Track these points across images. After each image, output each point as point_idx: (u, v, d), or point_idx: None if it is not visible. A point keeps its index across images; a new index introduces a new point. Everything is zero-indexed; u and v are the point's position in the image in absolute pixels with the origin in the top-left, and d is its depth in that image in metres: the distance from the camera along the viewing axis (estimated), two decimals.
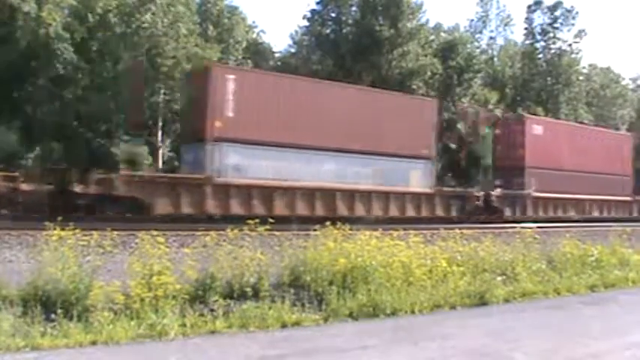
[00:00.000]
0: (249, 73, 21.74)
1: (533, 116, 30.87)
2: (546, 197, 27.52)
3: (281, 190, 19.84)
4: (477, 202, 25.24)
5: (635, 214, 32.24)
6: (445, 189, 24.69)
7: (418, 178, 23.37)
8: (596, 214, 29.70)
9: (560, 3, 42.86)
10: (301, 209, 20.08)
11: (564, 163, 28.35)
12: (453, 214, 24.12)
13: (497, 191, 26.33)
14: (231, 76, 19.52)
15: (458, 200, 24.80)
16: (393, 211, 22.11)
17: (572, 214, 28.52)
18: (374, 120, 22.14)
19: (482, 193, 25.66)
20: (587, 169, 29.27)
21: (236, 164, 19.15)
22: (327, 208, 20.52)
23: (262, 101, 19.79)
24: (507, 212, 26.13)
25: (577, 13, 43.31)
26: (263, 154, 19.56)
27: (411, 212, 22.77)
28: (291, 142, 20.09)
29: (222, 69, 20.46)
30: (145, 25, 26.54)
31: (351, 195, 21.51)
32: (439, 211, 23.81)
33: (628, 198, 32.37)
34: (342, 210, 20.83)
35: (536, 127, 27.95)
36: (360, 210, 21.50)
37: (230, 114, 19.08)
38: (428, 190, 23.59)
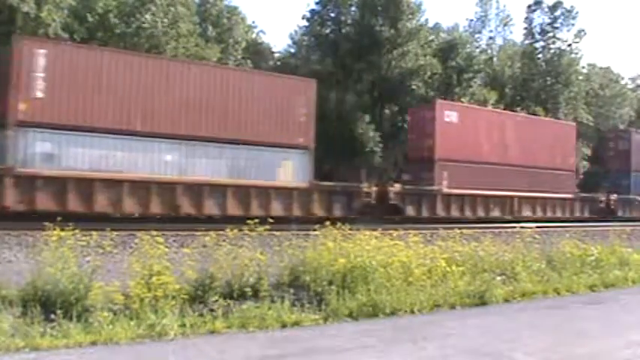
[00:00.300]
0: (65, 47, 18.04)
1: (447, 101, 26.49)
2: (461, 194, 23.86)
3: (103, 182, 16.72)
4: (366, 199, 21.60)
5: (578, 214, 28.29)
6: (326, 183, 21.20)
7: (290, 171, 19.95)
8: (527, 213, 25.82)
9: (561, 3, 42.82)
10: (130, 206, 17.07)
11: (487, 155, 24.92)
12: (336, 212, 20.08)
13: (396, 187, 22.77)
14: (42, 51, 16.39)
15: (342, 196, 21.11)
16: (256, 210, 18.28)
17: (496, 213, 24.85)
18: (232, 103, 19.03)
19: (374, 189, 22.00)
20: (517, 162, 25.82)
21: (47, 153, 16.30)
22: (167, 205, 17.58)
23: (83, 80, 16.77)
24: (409, 211, 22.53)
25: (577, 13, 43.29)
26: (82, 141, 16.70)
27: (278, 211, 18.99)
28: (120, 128, 17.14)
29: (30, 41, 16.97)
30: (146, 25, 26.55)
31: (198, 190, 18.07)
32: (317, 210, 20.06)
33: (569, 195, 28.28)
34: (188, 208, 17.85)
35: (450, 114, 24.08)
36: (210, 208, 18.24)
37: (39, 94, 16.15)
38: (302, 185, 19.96)
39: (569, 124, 31.83)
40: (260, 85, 20.00)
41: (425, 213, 22.87)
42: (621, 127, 40.95)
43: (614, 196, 30.25)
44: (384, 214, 21.35)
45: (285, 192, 19.66)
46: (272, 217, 13.52)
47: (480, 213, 24.47)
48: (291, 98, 20.32)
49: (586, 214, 28.51)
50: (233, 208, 18.44)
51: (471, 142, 24.59)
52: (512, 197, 25.60)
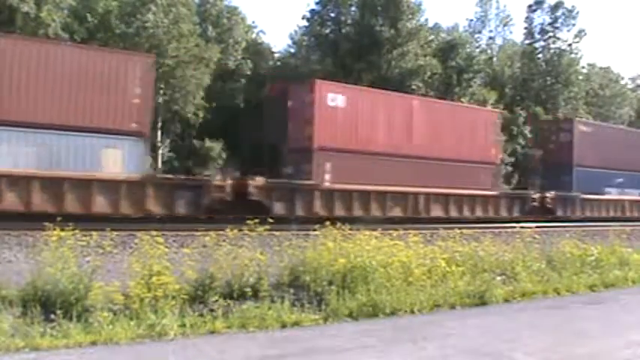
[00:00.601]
0: None
1: (331, 82, 22.87)
2: (349, 190, 20.56)
3: None
4: (218, 195, 18.37)
5: (505, 214, 25.03)
6: (165, 176, 18.56)
7: (119, 162, 17.14)
8: (438, 213, 22.68)
9: (562, 3, 42.83)
10: None
11: (384, 145, 21.67)
12: (180, 210, 17.70)
13: (258, 180, 18.94)
14: None
15: (187, 192, 18.04)
16: (72, 206, 15.86)
17: (396, 212, 21.45)
18: (39, 81, 16.15)
19: (229, 182, 18.67)
20: (424, 153, 22.59)
21: None
22: None
23: None
24: (278, 209, 19.13)
25: (577, 13, 43.30)
26: None
27: (102, 207, 16.47)
28: None
29: None
30: (148, 24, 26.55)
31: None
32: (153, 206, 17.34)
33: (492, 192, 24.82)
34: None
35: (334, 97, 20.61)
36: (11, 202, 15.51)
37: None
38: (133, 177, 17.16)
39: (490, 111, 27.63)
40: (78, 60, 16.89)
41: (299, 211, 19.42)
42: (621, 127, 40.36)
43: (550, 194, 26.99)
44: (245, 213, 16.09)
45: (111, 185, 16.81)
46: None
47: (375, 212, 21.06)
48: (120, 76, 17.35)
49: (516, 214, 25.25)
50: (41, 204, 15.67)
51: (364, 130, 21.28)
52: (416, 194, 22.25)
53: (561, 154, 29.23)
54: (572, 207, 27.91)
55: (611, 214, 29.37)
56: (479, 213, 24.08)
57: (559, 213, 27.08)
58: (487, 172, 24.98)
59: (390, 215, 20.93)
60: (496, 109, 28.56)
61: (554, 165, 29.39)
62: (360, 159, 20.86)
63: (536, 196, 26.65)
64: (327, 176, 20.24)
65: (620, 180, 30.63)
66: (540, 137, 31.66)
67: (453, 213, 23.30)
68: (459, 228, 12.68)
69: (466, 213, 23.68)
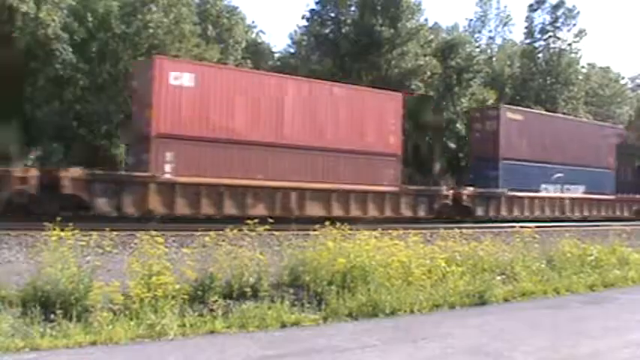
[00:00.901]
0: None
1: (177, 59, 20.41)
2: (196, 183, 17.45)
3: None
4: (18, 187, 15.30)
5: (409, 213, 21.65)
6: None
7: None
8: (318, 212, 19.00)
9: (563, 2, 42.86)
10: None
11: (247, 132, 18.41)
12: None
13: (73, 171, 16.08)
14: None
15: None
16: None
17: (261, 211, 17.37)
18: None
19: (34, 174, 15.65)
20: (300, 142, 19.36)
21: None
22: None
23: None
24: (102, 205, 16.20)
25: (578, 12, 43.32)
26: None
27: None
28: None
29: None
30: (151, 24, 26.54)
31: None
32: None
33: (391, 188, 21.40)
34: None
35: (178, 75, 17.47)
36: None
37: None
38: None
39: (390, 94, 23.02)
40: None
41: (129, 208, 16.61)
42: (621, 127, 40.02)
43: (467, 190, 23.59)
44: (57, 210, 13.81)
45: None
46: (272, 217, 13.20)
47: (231, 210, 17.88)
48: None
49: (422, 214, 22.04)
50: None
51: (219, 114, 18.06)
52: (287, 189, 18.95)
53: (486, 145, 25.66)
54: (495, 206, 24.49)
55: (547, 214, 26.29)
56: (373, 212, 20.78)
57: (479, 213, 23.77)
58: (385, 164, 21.45)
59: (253, 214, 15.34)
60: (397, 93, 23.28)
61: (478, 158, 26.25)
62: (213, 148, 17.76)
63: (449, 192, 23.27)
64: (168, 167, 17.19)
65: (560, 175, 27.14)
66: (469, 128, 28.95)
67: (338, 212, 19.52)
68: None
69: (355, 212, 20.18)
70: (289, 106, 19.55)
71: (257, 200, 18.45)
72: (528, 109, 31.41)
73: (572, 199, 27.70)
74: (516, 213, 24.95)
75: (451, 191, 23.43)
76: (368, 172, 20.83)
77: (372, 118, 21.36)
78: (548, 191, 26.86)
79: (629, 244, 15.06)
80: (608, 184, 29.74)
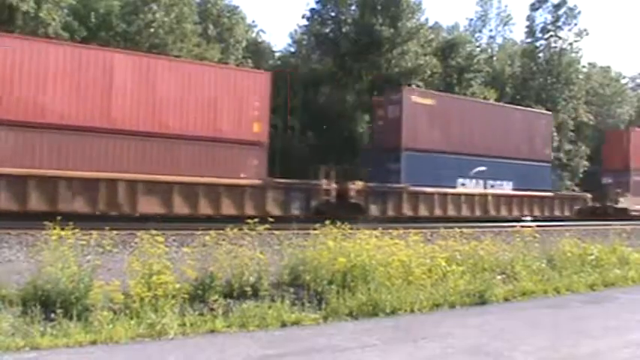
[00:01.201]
0: None
1: None
2: None
3: None
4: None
5: (276, 211, 18.00)
6: None
7: None
8: (155, 208, 16.86)
9: (565, 1, 42.82)
10: None
11: (59, 114, 15.87)
12: None
13: None
14: None
15: None
16: None
17: (80, 206, 15.74)
18: None
19: None
20: (132, 126, 16.85)
21: None
22: None
23: None
24: None
25: (579, 12, 43.28)
26: None
27: None
28: None
29: None
30: (154, 24, 26.52)
31: None
32: None
33: (249, 181, 18.33)
34: None
35: None
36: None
37: None
38: None
39: (253, 73, 20.63)
40: None
41: None
42: (622, 127, 39.94)
43: (355, 185, 20.49)
44: None
45: None
46: (271, 217, 13.12)
47: (39, 205, 15.31)
48: None
49: (295, 212, 18.80)
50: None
51: (25, 91, 15.49)
52: (113, 181, 16.39)
53: (389, 135, 22.37)
54: (395, 203, 21.39)
55: (465, 213, 23.05)
56: (229, 210, 17.94)
57: (373, 212, 20.60)
58: (246, 154, 18.43)
59: (67, 210, 14.56)
60: (263, 71, 20.65)
61: (380, 149, 22.83)
62: (18, 133, 15.29)
63: (330, 187, 19.82)
64: None
65: (482, 169, 23.75)
66: (372, 116, 25.17)
67: (182, 209, 17.30)
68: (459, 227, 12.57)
69: (206, 210, 17.63)
70: (120, 85, 16.84)
71: (74, 194, 15.87)
72: (443, 94, 27.03)
73: (497, 197, 24.37)
74: (424, 212, 22.02)
75: (334, 185, 20.03)
76: (222, 163, 18.02)
77: (229, 100, 18.40)
78: (467, 187, 23.59)
79: (629, 243, 15.06)
80: (544, 180, 26.43)
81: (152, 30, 26.75)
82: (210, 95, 18.16)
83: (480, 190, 23.94)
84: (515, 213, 24.82)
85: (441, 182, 22.55)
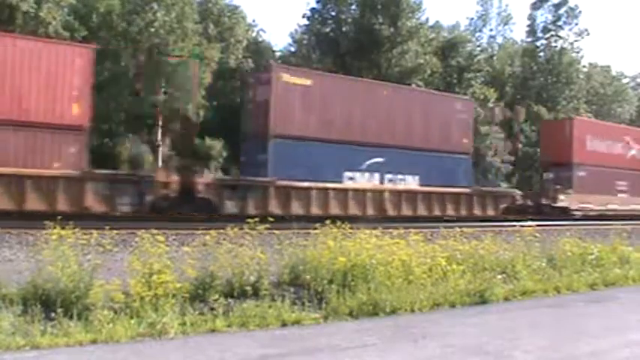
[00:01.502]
0: None
1: None
2: None
3: None
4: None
5: (98, 207, 16.48)
6: None
7: None
8: (37, 206, 15.42)
9: (565, 1, 42.82)
10: None
11: None
12: None
13: None
14: None
15: None
16: None
17: None
18: None
19: None
20: None
21: None
22: None
23: None
24: None
25: (580, 11, 43.31)
26: None
27: None
28: None
29: None
30: (156, 24, 26.52)
31: None
32: None
33: (68, 172, 16.25)
34: None
35: None
36: None
37: None
38: None
39: (71, 46, 18.17)
40: None
41: None
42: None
43: (204, 179, 18.12)
44: None
45: None
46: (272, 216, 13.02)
47: None
48: None
49: (124, 208, 16.76)
50: None
51: None
52: None
53: (257, 119, 19.53)
54: (260, 200, 18.46)
55: (354, 211, 19.99)
56: (36, 204, 15.71)
57: (229, 209, 17.88)
58: (60, 141, 16.12)
59: None
60: (82, 44, 18.59)
61: (249, 137, 19.98)
62: None
63: (170, 180, 17.46)
64: None
65: (377, 160, 21.01)
66: (243, 98, 22.20)
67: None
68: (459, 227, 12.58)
69: (3, 205, 15.38)
70: None
71: None
72: (325, 73, 23.83)
73: (397, 193, 21.32)
74: (298, 210, 19.00)
75: (175, 178, 17.57)
76: (28, 151, 15.67)
77: (37, 78, 15.94)
78: (357, 182, 20.65)
79: (629, 242, 15.05)
80: (460, 174, 23.39)
81: (153, 29, 26.74)
82: (8, 71, 15.64)
83: (374, 185, 21.03)
84: (422, 212, 21.87)
85: (321, 176, 19.65)
